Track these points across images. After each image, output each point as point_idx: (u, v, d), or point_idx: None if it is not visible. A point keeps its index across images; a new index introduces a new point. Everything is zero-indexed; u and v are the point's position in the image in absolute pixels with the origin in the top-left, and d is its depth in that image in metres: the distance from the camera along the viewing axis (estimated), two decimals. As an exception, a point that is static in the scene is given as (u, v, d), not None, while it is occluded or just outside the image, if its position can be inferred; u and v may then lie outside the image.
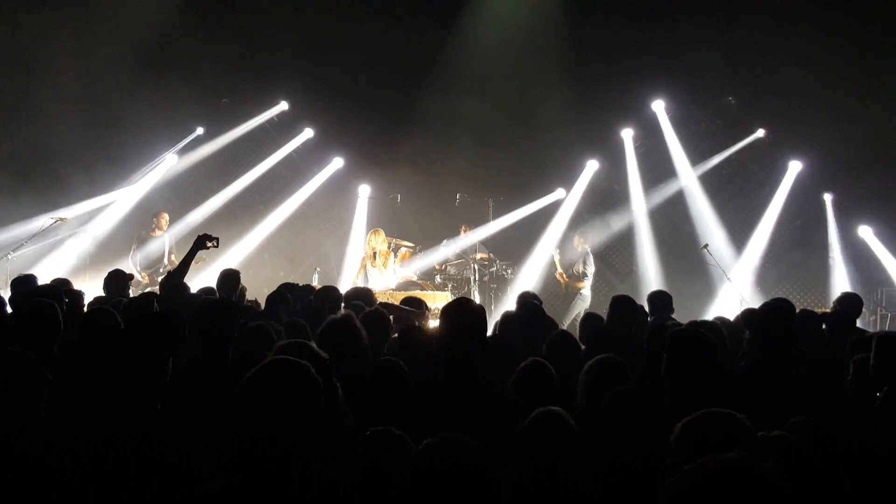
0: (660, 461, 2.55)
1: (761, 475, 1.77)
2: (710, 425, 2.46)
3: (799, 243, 14.09)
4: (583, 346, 5.49)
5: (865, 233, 13.46)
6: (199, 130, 14.98)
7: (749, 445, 2.39)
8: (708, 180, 14.38)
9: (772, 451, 2.56)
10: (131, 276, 7.39)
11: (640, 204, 14.52)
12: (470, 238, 13.13)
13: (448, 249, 13.13)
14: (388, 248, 11.53)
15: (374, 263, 11.19)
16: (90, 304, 6.47)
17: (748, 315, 4.71)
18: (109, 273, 7.46)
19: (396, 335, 5.21)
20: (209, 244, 6.57)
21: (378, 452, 2.67)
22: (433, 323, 6.84)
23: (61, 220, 11.87)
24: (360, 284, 10.42)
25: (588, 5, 13.79)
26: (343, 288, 7.64)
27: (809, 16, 12.61)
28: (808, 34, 12.43)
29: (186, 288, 6.69)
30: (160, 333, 3.40)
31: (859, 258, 13.55)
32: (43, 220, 11.77)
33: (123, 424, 3.15)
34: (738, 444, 2.23)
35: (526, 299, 6.18)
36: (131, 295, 7.62)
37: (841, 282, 13.41)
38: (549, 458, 2.95)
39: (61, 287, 6.57)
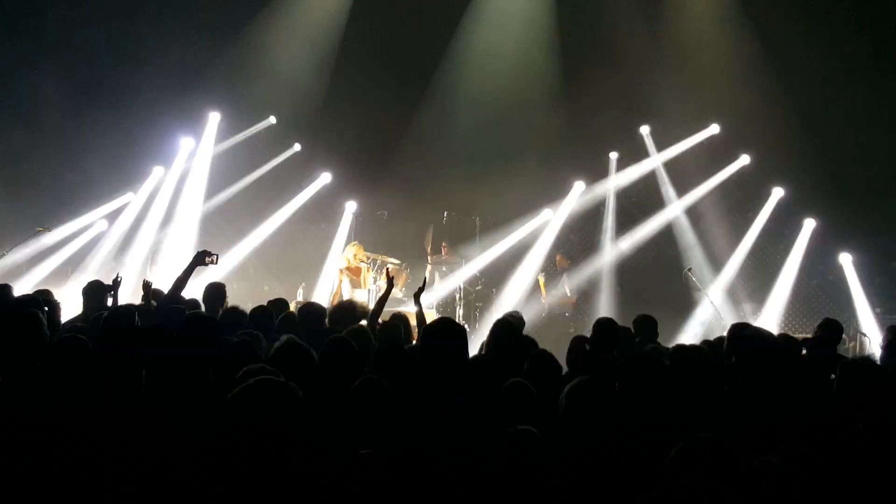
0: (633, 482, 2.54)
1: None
2: (703, 451, 2.45)
3: (778, 268, 14.21)
4: (568, 369, 5.51)
5: (845, 260, 13.57)
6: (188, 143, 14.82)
7: (741, 472, 2.38)
8: (692, 205, 14.49)
9: (767, 478, 2.57)
10: (109, 287, 7.28)
11: (625, 227, 14.62)
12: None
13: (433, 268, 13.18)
14: (368, 263, 11.51)
15: (356, 276, 11.14)
16: (63, 327, 6.31)
17: (733, 341, 4.71)
18: (88, 283, 7.34)
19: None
20: (208, 260, 6.55)
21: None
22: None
23: (45, 229, 11.74)
24: (344, 297, 10.41)
25: (578, 34, 13.89)
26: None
27: (792, 42, 12.80)
28: (790, 61, 12.61)
29: (182, 302, 6.64)
30: (131, 348, 3.36)
31: (833, 286, 13.70)
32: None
33: (93, 437, 3.11)
34: (729, 471, 2.24)
35: (504, 318, 6.16)
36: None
37: (814, 309, 13.60)
38: (520, 477, 2.95)
39: (42, 297, 6.46)
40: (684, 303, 13.28)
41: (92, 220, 13.79)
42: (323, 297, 12.78)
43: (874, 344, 11.39)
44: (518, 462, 3.00)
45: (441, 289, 12.99)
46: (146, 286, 6.96)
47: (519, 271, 14.26)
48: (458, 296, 12.65)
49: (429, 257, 13.23)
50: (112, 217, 14.04)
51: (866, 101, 12.67)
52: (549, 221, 14.57)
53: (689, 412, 3.98)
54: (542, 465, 3.02)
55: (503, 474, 2.99)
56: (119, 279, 7.10)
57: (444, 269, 13.14)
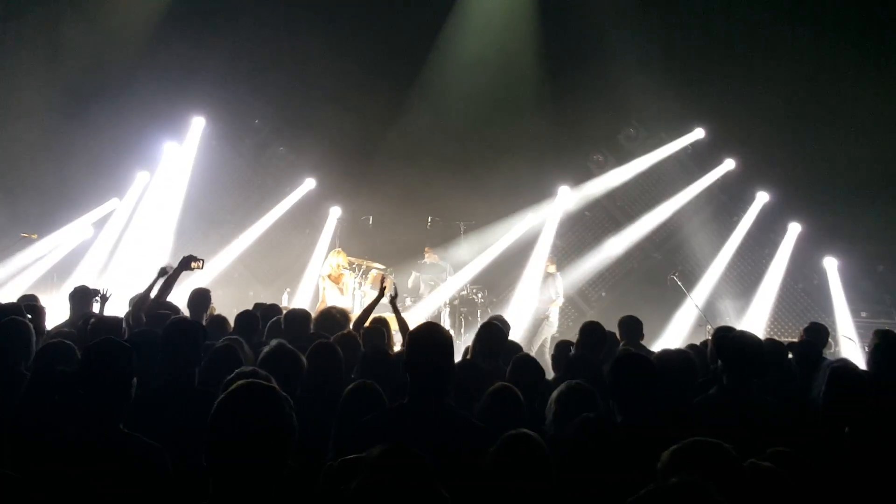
0: (623, 486, 2.54)
1: (706, 495, 1.89)
2: (697, 454, 2.46)
3: (763, 272, 14.29)
4: (554, 374, 5.50)
5: (829, 264, 13.65)
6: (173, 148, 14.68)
7: (735, 475, 2.40)
8: (678, 209, 14.54)
9: (759, 480, 2.59)
10: (96, 292, 7.23)
11: (610, 231, 14.66)
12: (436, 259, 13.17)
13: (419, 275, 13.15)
14: (351, 268, 11.46)
15: (337, 283, 11.10)
16: (50, 333, 6.25)
17: (719, 344, 4.72)
18: (75, 288, 7.30)
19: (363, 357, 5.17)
20: (194, 265, 6.50)
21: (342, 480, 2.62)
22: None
23: (31, 236, 11.65)
24: (328, 304, 10.36)
25: (562, 36, 13.93)
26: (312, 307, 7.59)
27: (778, 45, 12.90)
28: (777, 63, 12.70)
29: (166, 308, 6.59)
30: (123, 357, 3.34)
31: (817, 290, 13.80)
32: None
33: (86, 446, 3.08)
34: (723, 473, 2.26)
35: (489, 322, 6.17)
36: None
37: (799, 312, 13.69)
38: (520, 481, 2.94)
39: (26, 303, 6.40)
40: (670, 307, 13.33)
41: (78, 226, 13.66)
42: (307, 303, 12.73)
43: (856, 347, 11.50)
44: (517, 465, 2.99)
45: (427, 295, 12.95)
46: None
47: (505, 276, 14.27)
48: (443, 301, 12.63)
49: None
50: (98, 223, 13.92)
51: (852, 106, 12.78)
52: (535, 226, 14.57)
53: (677, 415, 3.98)
54: (541, 469, 3.01)
55: (498, 477, 2.98)
56: (108, 295, 7.05)
57: (428, 275, 13.11)
